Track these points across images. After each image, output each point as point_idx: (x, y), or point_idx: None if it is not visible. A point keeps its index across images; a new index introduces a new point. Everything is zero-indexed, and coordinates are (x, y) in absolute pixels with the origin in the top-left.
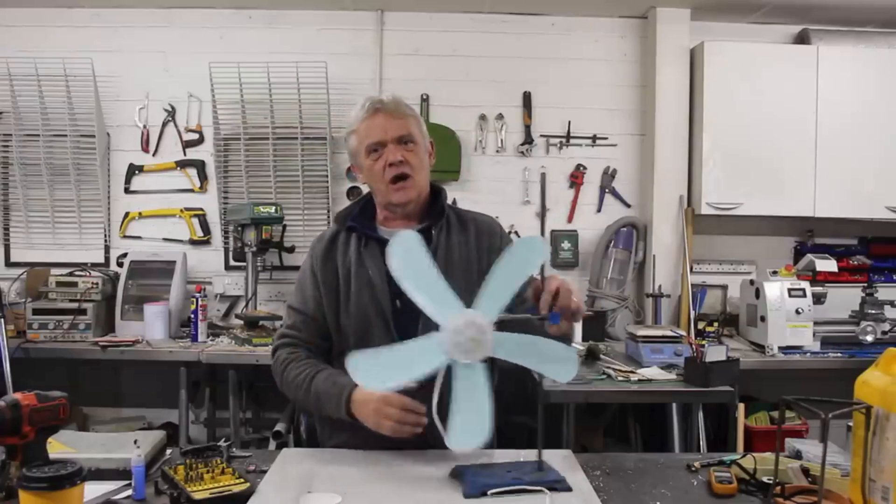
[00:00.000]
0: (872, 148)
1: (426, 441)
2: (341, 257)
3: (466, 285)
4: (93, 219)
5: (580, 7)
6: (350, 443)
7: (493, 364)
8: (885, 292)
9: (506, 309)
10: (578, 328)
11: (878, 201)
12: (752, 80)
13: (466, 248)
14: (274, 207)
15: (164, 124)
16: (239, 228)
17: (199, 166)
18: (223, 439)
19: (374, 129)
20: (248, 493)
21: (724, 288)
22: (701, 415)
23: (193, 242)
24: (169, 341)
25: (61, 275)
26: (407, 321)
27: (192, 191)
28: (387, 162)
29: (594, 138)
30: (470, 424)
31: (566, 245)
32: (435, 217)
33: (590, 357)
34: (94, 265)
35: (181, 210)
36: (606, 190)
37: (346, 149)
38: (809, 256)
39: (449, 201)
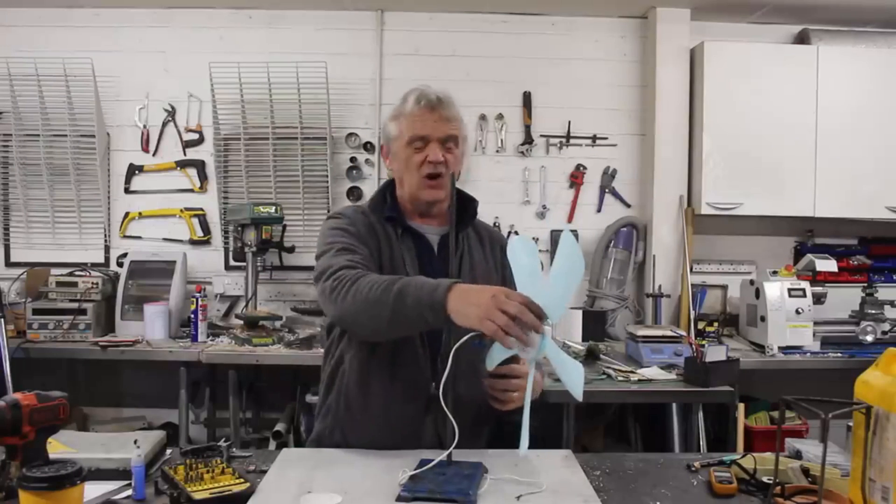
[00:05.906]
0: (872, 148)
1: (422, 440)
2: (376, 240)
3: None
4: (93, 219)
5: (580, 7)
6: (344, 443)
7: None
8: (885, 292)
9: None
10: (579, 328)
11: (878, 201)
12: (752, 80)
13: (484, 258)
14: (274, 207)
15: (164, 124)
16: (239, 228)
17: (199, 166)
18: (223, 439)
19: (424, 124)
20: (248, 493)
21: (724, 288)
22: (701, 415)
23: (193, 242)
24: (169, 341)
25: (61, 275)
26: None
27: (192, 191)
28: (427, 158)
29: (594, 138)
30: (572, 380)
31: None
32: (462, 224)
33: (590, 357)
34: (94, 265)
35: (181, 210)
36: (606, 190)
37: (384, 129)
38: (809, 256)
39: None
